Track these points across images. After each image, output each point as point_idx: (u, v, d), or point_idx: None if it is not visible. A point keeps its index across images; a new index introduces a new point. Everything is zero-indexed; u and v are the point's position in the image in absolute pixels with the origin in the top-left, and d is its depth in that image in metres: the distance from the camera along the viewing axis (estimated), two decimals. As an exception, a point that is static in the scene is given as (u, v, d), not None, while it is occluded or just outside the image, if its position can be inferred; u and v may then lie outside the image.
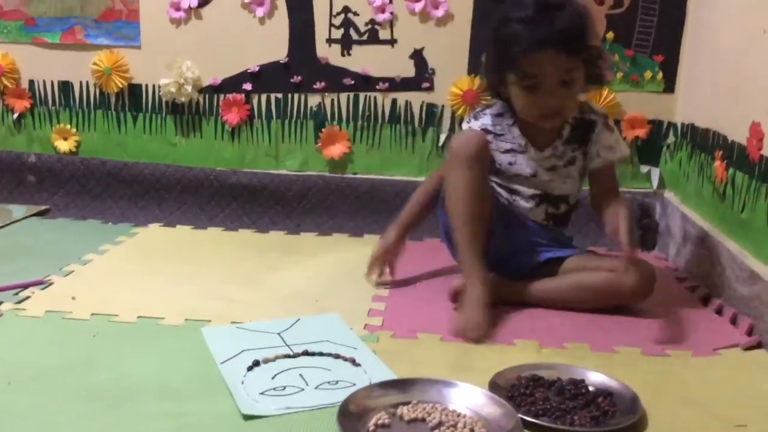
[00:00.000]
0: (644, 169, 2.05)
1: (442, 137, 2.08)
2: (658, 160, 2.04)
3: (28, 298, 1.45)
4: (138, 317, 1.38)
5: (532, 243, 1.55)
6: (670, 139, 2.01)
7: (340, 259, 1.79)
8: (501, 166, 1.54)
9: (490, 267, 1.45)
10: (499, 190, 1.56)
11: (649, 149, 2.04)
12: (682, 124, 1.95)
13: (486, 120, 1.55)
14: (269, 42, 2.05)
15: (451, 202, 1.45)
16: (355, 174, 2.12)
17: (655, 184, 2.04)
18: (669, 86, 1.99)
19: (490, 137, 1.52)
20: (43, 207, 2.12)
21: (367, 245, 1.91)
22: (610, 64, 1.56)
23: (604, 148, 1.53)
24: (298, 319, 1.39)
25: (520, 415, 1.01)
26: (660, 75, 1.98)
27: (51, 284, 1.53)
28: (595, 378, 1.15)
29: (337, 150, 2.10)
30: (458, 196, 1.43)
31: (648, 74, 1.98)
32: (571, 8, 1.40)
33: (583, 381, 1.14)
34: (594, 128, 1.53)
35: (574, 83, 1.42)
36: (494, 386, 1.11)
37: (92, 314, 1.38)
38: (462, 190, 1.43)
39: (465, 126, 1.58)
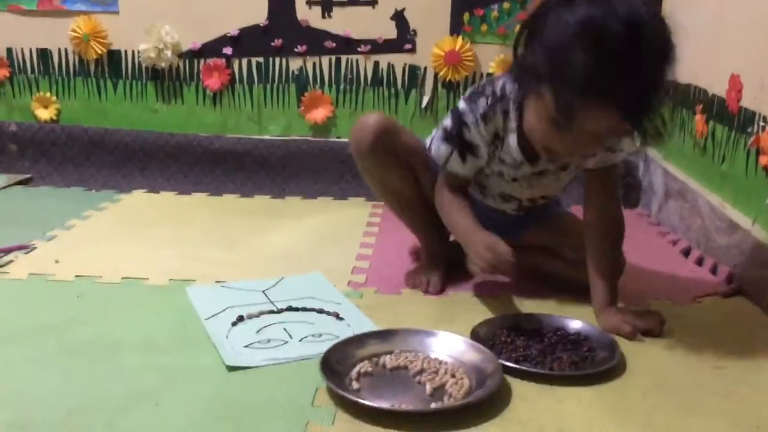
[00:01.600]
0: (627, 127, 2.05)
1: (425, 99, 2.07)
2: (640, 118, 2.05)
3: (11, 262, 1.45)
4: (122, 278, 1.38)
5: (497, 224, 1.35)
6: (653, 96, 2.01)
7: (325, 221, 1.80)
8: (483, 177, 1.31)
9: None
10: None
11: (631, 107, 2.04)
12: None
13: (488, 126, 1.20)
14: (248, 5, 2.03)
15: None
16: (338, 138, 2.11)
17: (638, 142, 2.04)
18: (651, 43, 1.99)
19: (485, 140, 1.22)
20: (26, 176, 2.10)
21: (352, 207, 1.93)
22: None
23: (607, 151, 1.23)
24: (282, 278, 1.40)
25: (501, 361, 1.03)
26: (642, 32, 1.98)
27: (34, 249, 1.53)
28: (575, 326, 1.17)
29: (320, 114, 2.09)
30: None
31: (630, 32, 1.98)
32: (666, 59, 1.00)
33: (563, 329, 1.15)
34: None
35: (610, 139, 1.15)
36: (475, 335, 1.12)
37: (76, 276, 1.38)
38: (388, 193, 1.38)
39: (466, 114, 1.21)
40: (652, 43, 0.99)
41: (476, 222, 1.24)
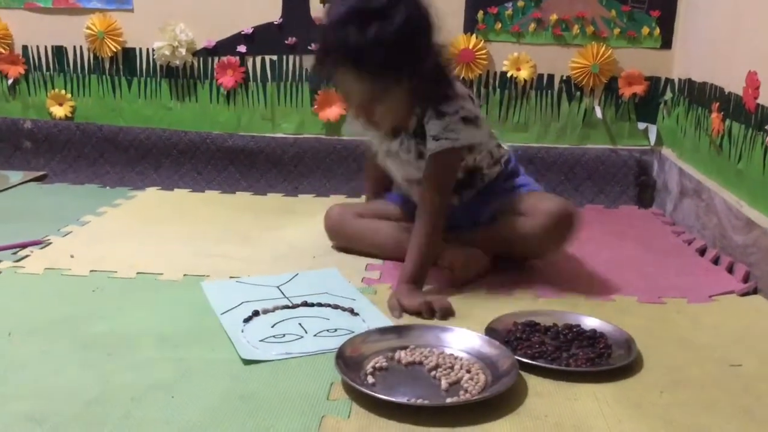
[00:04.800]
0: (642, 126, 2.04)
1: (439, 97, 2.06)
2: (655, 117, 2.04)
3: (27, 257, 1.46)
4: (137, 273, 1.38)
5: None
6: (668, 95, 2.00)
7: (338, 218, 1.79)
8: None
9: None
10: None
11: (646, 106, 2.03)
12: (680, 80, 1.94)
13: None
14: (263, 3, 2.03)
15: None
16: (351, 136, 2.11)
17: (652, 140, 2.04)
18: (666, 42, 1.98)
19: None
20: (41, 173, 2.12)
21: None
22: (452, 83, 1.33)
23: (430, 138, 1.32)
24: (297, 274, 1.40)
25: (517, 357, 1.02)
26: (657, 31, 1.97)
27: (49, 244, 1.54)
28: (591, 323, 1.16)
29: (333, 112, 2.09)
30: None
31: (645, 30, 1.97)
32: (389, 20, 1.20)
33: (578, 326, 1.15)
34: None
35: (384, 102, 1.27)
36: (491, 331, 1.12)
37: (91, 271, 1.39)
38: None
39: None
40: (368, 9, 1.21)
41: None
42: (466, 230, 1.44)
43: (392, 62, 1.21)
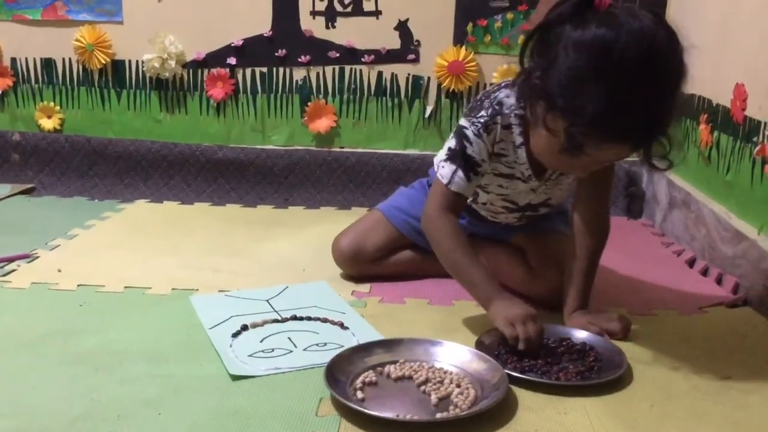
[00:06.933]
0: (630, 137, 2.05)
1: (429, 109, 2.07)
2: (644, 129, 2.04)
3: (13, 271, 1.44)
4: (125, 287, 1.37)
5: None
6: (656, 106, 2.01)
7: (328, 230, 1.76)
8: (484, 185, 1.29)
9: None
10: None
11: (635, 118, 2.03)
12: (668, 92, 1.95)
13: (490, 137, 1.18)
14: (252, 15, 2.03)
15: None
16: (341, 148, 2.11)
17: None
18: (654, 54, 1.99)
19: (485, 155, 1.19)
20: (29, 185, 2.10)
21: (355, 217, 1.90)
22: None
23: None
24: (286, 287, 1.39)
25: (507, 371, 1.02)
26: (645, 43, 1.98)
27: (36, 258, 1.53)
28: (581, 335, 1.16)
29: (323, 124, 2.09)
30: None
31: (633, 42, 1.98)
32: (669, 88, 1.00)
33: (568, 339, 1.15)
34: None
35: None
36: (481, 344, 1.11)
37: (78, 285, 1.37)
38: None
39: (467, 129, 1.18)
40: (667, 68, 0.98)
41: (491, 278, 1.19)
42: (507, 234, 1.40)
43: (665, 132, 1.02)
